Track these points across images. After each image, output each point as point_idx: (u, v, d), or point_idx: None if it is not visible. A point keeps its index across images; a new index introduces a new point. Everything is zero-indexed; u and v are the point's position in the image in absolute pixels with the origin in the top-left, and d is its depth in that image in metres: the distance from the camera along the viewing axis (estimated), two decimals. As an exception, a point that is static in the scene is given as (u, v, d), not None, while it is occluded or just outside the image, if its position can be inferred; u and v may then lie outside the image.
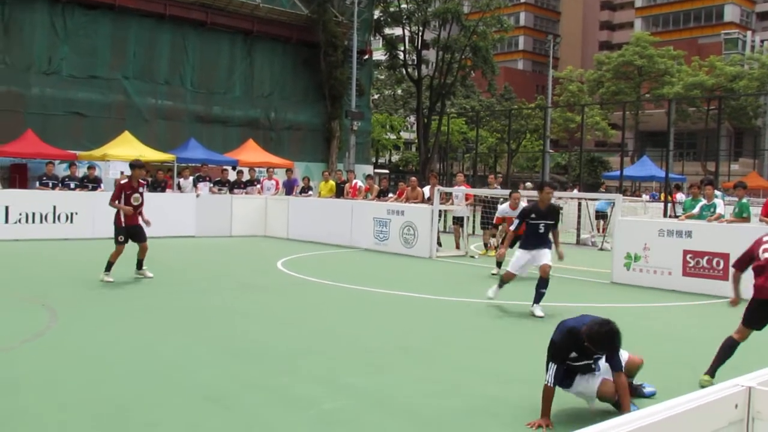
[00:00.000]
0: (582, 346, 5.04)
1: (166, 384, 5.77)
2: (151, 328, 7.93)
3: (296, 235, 19.20)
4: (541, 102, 56.55)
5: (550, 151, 52.35)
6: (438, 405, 5.44)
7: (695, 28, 75.93)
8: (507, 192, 18.71)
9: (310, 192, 21.25)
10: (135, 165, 11.47)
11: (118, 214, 11.17)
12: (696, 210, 13.26)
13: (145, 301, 9.55)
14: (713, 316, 9.87)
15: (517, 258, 9.59)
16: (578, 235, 21.26)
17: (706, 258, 11.67)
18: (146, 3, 29.20)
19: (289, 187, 21.62)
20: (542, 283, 9.33)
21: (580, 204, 21.66)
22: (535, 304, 9.35)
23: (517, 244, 9.93)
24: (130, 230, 11.19)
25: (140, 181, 11.50)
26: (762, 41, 68.68)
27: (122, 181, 11.43)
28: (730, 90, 53.72)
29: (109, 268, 11.01)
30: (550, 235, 9.57)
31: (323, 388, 5.78)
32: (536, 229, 9.45)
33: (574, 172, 49.87)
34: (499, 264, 13.26)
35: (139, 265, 11.54)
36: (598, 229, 21.60)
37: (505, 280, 9.81)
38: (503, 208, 14.21)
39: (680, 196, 21.70)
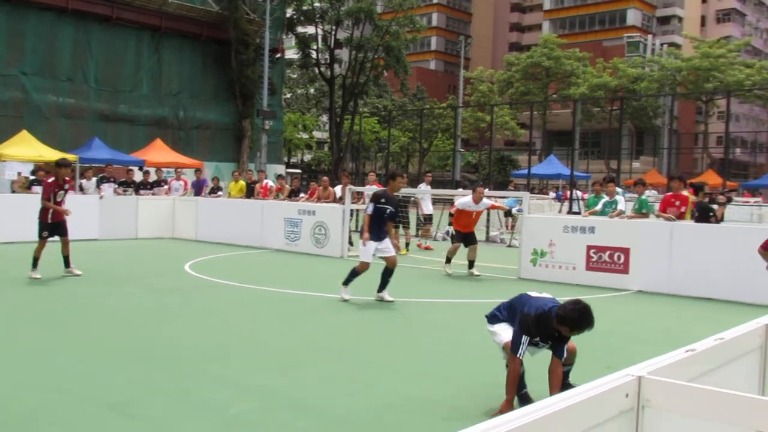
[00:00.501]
0: (548, 331, 4.96)
1: (66, 394, 5.52)
2: (50, 334, 7.58)
3: (205, 237, 18.80)
4: (453, 102, 57.45)
5: (461, 150, 53.23)
6: (349, 404, 5.40)
7: (600, 31, 78.67)
8: (419, 190, 18.91)
9: (220, 192, 20.87)
10: (61, 164, 11.82)
11: (45, 211, 11.49)
12: (599, 207, 13.69)
13: (45, 307, 9.14)
14: (615, 309, 10.20)
15: (367, 247, 9.86)
16: (488, 233, 21.64)
17: (608, 253, 12.06)
18: (46, -4, 28.07)
19: (197, 188, 21.16)
20: (388, 272, 9.91)
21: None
22: (383, 291, 9.93)
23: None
24: (54, 226, 11.53)
25: (66, 179, 11.85)
26: (662, 44, 71.76)
27: (49, 180, 11.75)
28: (631, 91, 55.90)
29: (35, 264, 11.20)
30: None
31: (232, 390, 5.64)
32: (382, 214, 9.87)
33: (484, 170, 50.85)
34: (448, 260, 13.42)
35: (66, 262, 11.66)
36: (507, 226, 22.03)
37: (359, 271, 10.00)
38: (466, 201, 13.54)
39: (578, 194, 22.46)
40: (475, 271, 13.23)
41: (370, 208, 10.00)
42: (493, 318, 5.54)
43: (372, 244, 9.86)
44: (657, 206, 13.42)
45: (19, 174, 20.57)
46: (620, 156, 28.78)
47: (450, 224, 13.16)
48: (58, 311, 8.94)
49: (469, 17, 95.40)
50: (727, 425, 2.01)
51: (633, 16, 78.07)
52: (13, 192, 19.28)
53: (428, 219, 19.00)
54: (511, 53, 70.38)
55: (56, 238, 11.65)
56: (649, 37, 74.65)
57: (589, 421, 1.82)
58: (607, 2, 79.56)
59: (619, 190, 15.40)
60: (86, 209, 18.54)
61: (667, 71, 57.75)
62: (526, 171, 28.57)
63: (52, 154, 23.45)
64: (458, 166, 46.41)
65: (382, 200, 9.91)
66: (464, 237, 13.37)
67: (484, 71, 64.76)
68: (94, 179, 19.98)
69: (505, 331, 5.31)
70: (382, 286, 9.99)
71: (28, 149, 22.93)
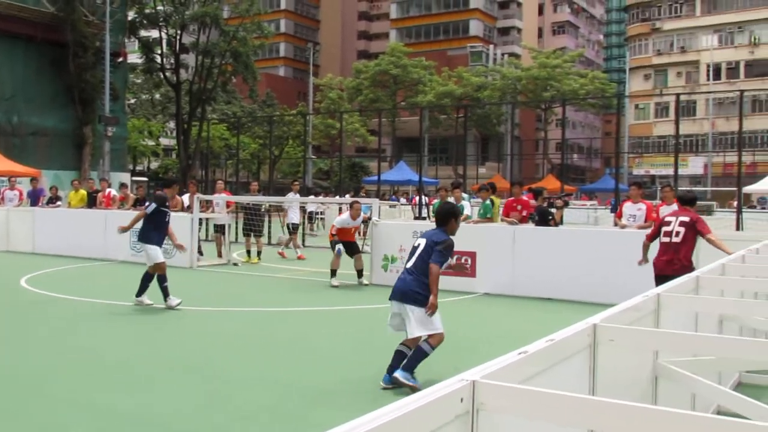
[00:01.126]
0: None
1: None
2: None
3: (43, 249, 17.75)
4: (303, 109, 57.40)
5: (312, 157, 53.33)
6: (203, 418, 5.28)
7: (444, 41, 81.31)
8: (287, 198, 18.76)
9: (59, 202, 19.78)
10: None
11: None
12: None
13: None
14: (464, 311, 10.58)
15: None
16: (340, 239, 21.78)
17: (455, 257, 12.47)
18: None
19: (34, 198, 19.96)
20: (149, 277, 10.28)
21: (340, 209, 22.21)
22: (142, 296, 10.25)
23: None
24: None
25: None
26: (503, 54, 75.21)
27: None
28: (476, 99, 58.19)
29: None
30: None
31: (76, 411, 5.38)
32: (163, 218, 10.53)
33: (336, 177, 51.18)
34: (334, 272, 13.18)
35: None
36: (360, 233, 22.26)
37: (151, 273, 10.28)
38: (344, 219, 13.49)
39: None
40: (364, 280, 13.24)
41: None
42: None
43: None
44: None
45: None
46: (466, 162, 29.91)
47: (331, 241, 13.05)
48: None
49: (317, 24, 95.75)
50: (560, 426, 2.13)
51: (475, 27, 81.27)
52: None
53: (295, 228, 18.90)
54: (360, 61, 71.35)
55: None
56: (491, 47, 78.10)
57: (425, 427, 1.88)
58: (451, 12, 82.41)
59: (465, 195, 15.98)
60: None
61: (509, 80, 60.59)
62: (376, 177, 29.02)
63: None
64: (310, 173, 46.43)
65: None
66: (348, 247, 13.31)
67: (333, 78, 65.22)
68: None
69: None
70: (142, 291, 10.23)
71: None
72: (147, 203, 11.22)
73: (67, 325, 9.00)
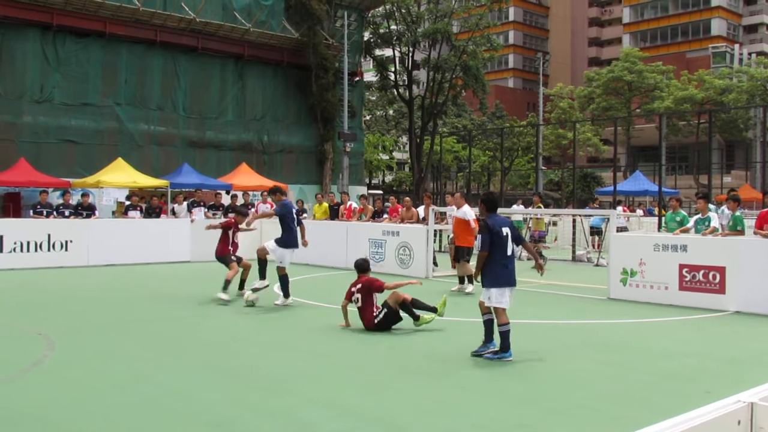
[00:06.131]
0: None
1: (169, 412, 5.73)
2: (149, 355, 7.89)
3: (295, 259, 19.10)
4: (533, 119, 56.89)
5: (543, 168, 52.57)
6: (438, 425, 5.40)
7: (683, 43, 76.65)
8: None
9: (305, 215, 21.24)
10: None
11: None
12: (690, 224, 13.28)
13: (144, 327, 9.49)
14: (711, 330, 9.88)
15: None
16: (574, 252, 21.28)
17: (702, 272, 11.69)
18: (136, 30, 29.33)
19: (284, 210, 21.56)
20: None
21: (574, 220, 21.70)
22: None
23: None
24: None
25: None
26: (750, 54, 69.28)
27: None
28: (720, 103, 54.12)
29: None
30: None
31: (323, 409, 5.75)
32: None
33: (568, 188, 50.08)
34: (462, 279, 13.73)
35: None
36: (593, 245, 21.63)
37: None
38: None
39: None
40: (467, 288, 13.55)
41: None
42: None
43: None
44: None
45: (120, 203, 21.47)
46: (710, 171, 27.92)
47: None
48: (152, 335, 9.28)
49: (546, 33, 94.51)
50: None
51: (718, 26, 75.77)
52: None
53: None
54: (591, 68, 69.29)
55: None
56: (736, 46, 72.25)
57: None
58: (690, 12, 77.52)
59: (711, 206, 14.94)
60: (179, 233, 19.22)
61: (757, 81, 55.69)
62: (611, 188, 28.00)
63: (145, 181, 24.48)
64: (540, 184, 45.74)
65: None
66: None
67: (563, 87, 63.94)
68: (185, 203, 20.67)
69: None
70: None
71: (123, 176, 23.99)
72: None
73: (313, 330, 9.61)
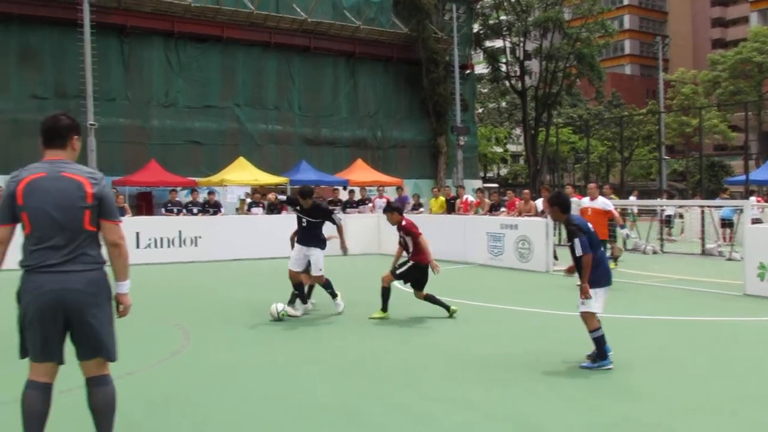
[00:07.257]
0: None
1: (295, 407, 5.84)
2: (276, 348, 8.08)
3: (409, 252, 19.18)
4: (653, 107, 54.67)
5: (666, 157, 50.45)
6: (565, 421, 5.26)
7: (818, 19, 71.78)
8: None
9: (421, 209, 21.29)
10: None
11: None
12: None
13: (270, 321, 9.70)
14: None
15: (293, 253, 10.14)
16: (703, 245, 20.31)
17: None
18: (252, 33, 30.29)
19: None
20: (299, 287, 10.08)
21: (703, 212, 20.71)
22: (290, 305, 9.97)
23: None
24: None
25: None
26: None
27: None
28: None
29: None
30: (323, 234, 10.24)
31: (443, 404, 5.70)
32: (300, 223, 10.21)
33: (693, 178, 47.89)
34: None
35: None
36: (724, 238, 20.60)
37: (294, 281, 10.03)
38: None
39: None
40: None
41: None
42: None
43: (299, 251, 10.11)
44: None
45: (242, 201, 22.21)
46: None
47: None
48: (285, 331, 9.49)
49: (664, 16, 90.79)
50: None
51: None
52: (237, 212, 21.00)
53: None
54: (715, 51, 65.99)
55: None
56: None
57: None
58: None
59: None
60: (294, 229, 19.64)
61: None
62: (742, 177, 26.57)
63: (266, 178, 25.24)
64: (664, 174, 43.77)
65: (297, 207, 10.23)
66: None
67: (686, 72, 61.20)
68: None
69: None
70: (290, 299, 10.12)
71: (245, 174, 24.85)
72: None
73: (431, 323, 9.57)
